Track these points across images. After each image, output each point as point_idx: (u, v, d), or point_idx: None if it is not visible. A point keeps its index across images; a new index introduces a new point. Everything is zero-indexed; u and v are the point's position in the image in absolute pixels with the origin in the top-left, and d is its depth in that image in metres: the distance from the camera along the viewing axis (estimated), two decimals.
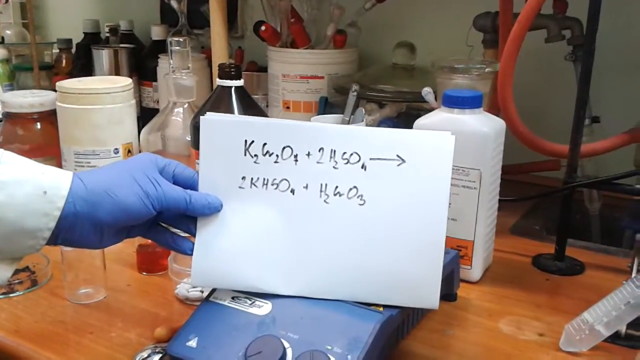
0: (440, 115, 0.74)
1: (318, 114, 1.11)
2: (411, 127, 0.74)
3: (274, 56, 1.19)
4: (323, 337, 0.53)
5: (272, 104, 1.21)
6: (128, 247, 0.84)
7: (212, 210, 0.58)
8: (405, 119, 1.07)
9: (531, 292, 0.74)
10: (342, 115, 0.90)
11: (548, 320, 0.68)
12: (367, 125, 0.88)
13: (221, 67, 0.79)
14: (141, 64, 1.39)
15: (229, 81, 0.79)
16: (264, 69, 1.27)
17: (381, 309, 0.56)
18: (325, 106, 1.14)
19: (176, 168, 0.59)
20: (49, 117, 0.99)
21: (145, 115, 1.32)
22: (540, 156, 0.91)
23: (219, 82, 0.80)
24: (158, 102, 1.35)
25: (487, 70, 0.84)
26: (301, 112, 1.17)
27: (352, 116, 0.89)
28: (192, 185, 0.59)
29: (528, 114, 0.87)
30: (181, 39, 0.87)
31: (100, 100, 0.88)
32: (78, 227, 0.53)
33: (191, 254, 0.59)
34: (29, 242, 0.52)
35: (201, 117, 0.59)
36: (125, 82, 0.92)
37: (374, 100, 1.06)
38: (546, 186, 1.04)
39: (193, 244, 0.59)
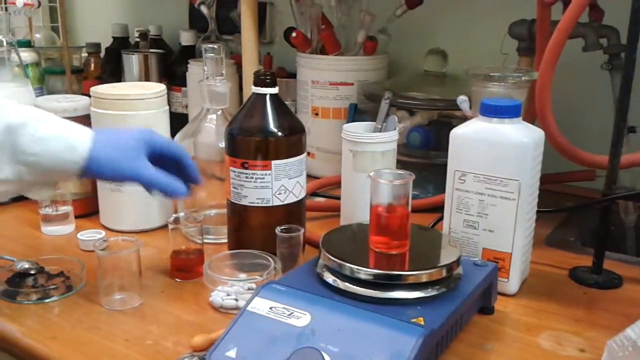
0: (478, 125, 0.73)
1: (347, 121, 1.10)
2: (443, 135, 0.73)
3: (304, 62, 1.18)
4: (364, 350, 0.53)
5: (300, 110, 1.21)
6: (161, 253, 0.84)
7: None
8: (436, 127, 1.06)
9: (569, 306, 0.72)
10: (373, 122, 0.90)
11: (588, 336, 0.67)
12: (399, 132, 0.87)
13: (257, 74, 0.79)
14: (170, 69, 1.39)
15: (264, 89, 0.79)
16: (292, 75, 1.27)
17: (422, 322, 0.55)
18: (355, 113, 1.14)
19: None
20: (82, 121, 0.97)
21: (174, 120, 1.32)
22: (572, 165, 0.89)
23: (253, 89, 0.80)
24: (187, 107, 1.35)
25: (523, 78, 0.83)
26: (330, 119, 1.17)
27: (384, 124, 0.88)
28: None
29: (563, 123, 0.85)
30: (215, 46, 0.87)
31: (135, 106, 0.88)
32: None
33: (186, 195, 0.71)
34: (62, 177, 0.76)
35: None
36: (158, 88, 0.93)
37: (404, 107, 1.05)
38: (580, 196, 1.03)
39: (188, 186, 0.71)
